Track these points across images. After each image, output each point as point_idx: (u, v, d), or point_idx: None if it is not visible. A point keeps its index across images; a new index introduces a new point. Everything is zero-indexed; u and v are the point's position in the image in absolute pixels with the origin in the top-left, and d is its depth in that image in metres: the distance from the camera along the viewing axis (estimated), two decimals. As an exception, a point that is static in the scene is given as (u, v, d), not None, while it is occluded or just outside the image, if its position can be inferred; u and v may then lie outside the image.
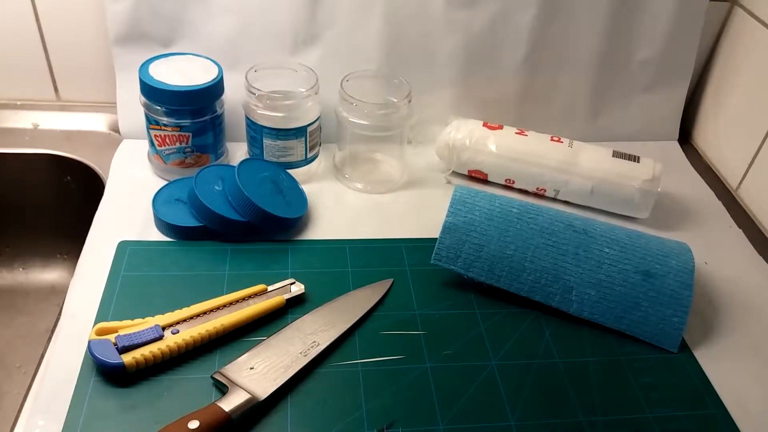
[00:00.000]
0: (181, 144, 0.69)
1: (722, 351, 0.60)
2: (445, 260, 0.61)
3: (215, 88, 0.68)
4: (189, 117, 0.67)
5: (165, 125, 0.67)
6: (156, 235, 0.65)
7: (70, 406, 0.49)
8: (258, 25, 0.75)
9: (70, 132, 0.80)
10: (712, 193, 0.80)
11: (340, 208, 0.71)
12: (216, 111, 0.69)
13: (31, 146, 0.78)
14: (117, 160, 0.74)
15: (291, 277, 0.60)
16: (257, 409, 0.49)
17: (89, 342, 0.51)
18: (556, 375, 0.55)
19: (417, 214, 0.71)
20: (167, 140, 0.68)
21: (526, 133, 0.75)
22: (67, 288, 0.59)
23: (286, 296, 0.58)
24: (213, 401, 0.48)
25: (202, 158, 0.71)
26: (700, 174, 0.83)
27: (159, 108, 0.66)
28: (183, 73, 0.67)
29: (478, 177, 0.77)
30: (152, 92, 0.66)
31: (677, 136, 0.88)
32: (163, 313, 0.54)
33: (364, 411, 0.51)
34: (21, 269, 0.84)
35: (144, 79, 0.66)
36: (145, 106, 0.68)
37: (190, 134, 0.68)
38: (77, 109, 0.83)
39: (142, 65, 0.68)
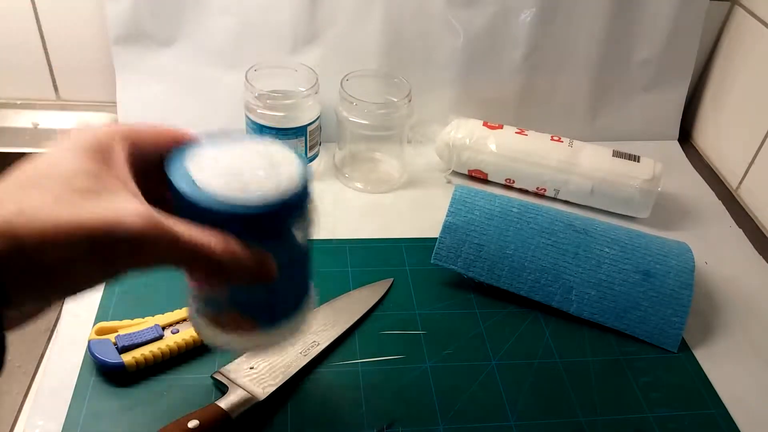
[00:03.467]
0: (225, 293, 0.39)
1: (722, 351, 0.60)
2: (445, 260, 0.61)
3: (295, 202, 0.36)
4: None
5: None
6: (156, 235, 0.65)
7: (69, 405, 0.49)
8: (258, 25, 0.74)
9: (70, 131, 0.80)
10: (712, 193, 0.80)
11: (340, 207, 0.71)
12: (293, 239, 0.38)
13: (31, 145, 0.78)
14: (117, 160, 0.74)
15: (291, 277, 0.60)
16: (257, 409, 0.49)
17: (89, 342, 0.51)
18: (556, 375, 0.55)
19: (417, 214, 0.71)
20: (207, 288, 0.39)
21: (526, 132, 0.75)
22: (67, 288, 0.59)
23: (286, 296, 0.58)
24: (213, 401, 0.48)
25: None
26: (700, 174, 0.83)
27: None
28: (235, 170, 0.36)
29: (478, 177, 0.77)
30: (186, 207, 0.34)
31: (677, 136, 0.88)
32: (163, 313, 0.54)
33: (364, 411, 0.51)
34: (21, 269, 0.84)
35: (177, 181, 0.34)
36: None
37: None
38: (77, 108, 0.83)
39: (179, 153, 0.36)
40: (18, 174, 0.31)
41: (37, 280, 0.29)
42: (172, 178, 0.34)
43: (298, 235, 0.37)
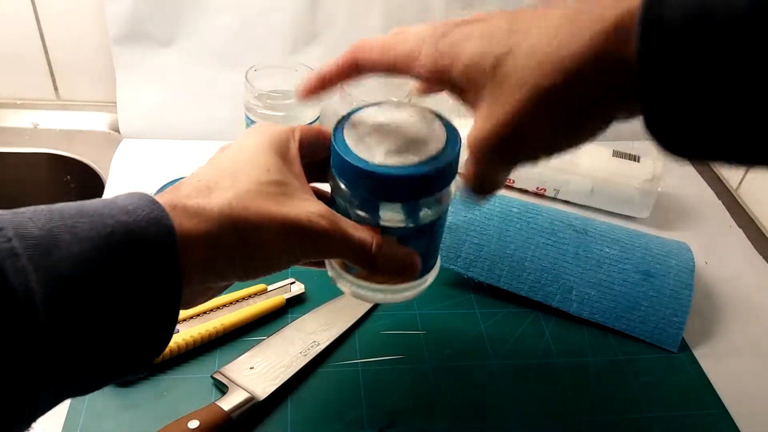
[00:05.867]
0: None
1: (722, 351, 0.60)
2: (444, 260, 0.61)
3: (445, 171, 0.39)
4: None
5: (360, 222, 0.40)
6: (156, 235, 0.65)
7: (69, 406, 0.49)
8: (258, 25, 0.74)
9: (70, 131, 0.80)
10: (712, 193, 0.80)
11: (340, 207, 0.71)
12: (443, 199, 0.41)
13: (31, 145, 0.78)
14: (117, 160, 0.74)
15: (291, 277, 0.60)
16: (257, 409, 0.49)
17: (89, 342, 0.51)
18: (556, 375, 0.55)
19: (417, 214, 0.71)
20: None
21: (526, 132, 0.75)
22: (67, 287, 0.59)
23: (286, 296, 0.58)
24: (213, 401, 0.48)
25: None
26: (700, 174, 0.83)
27: (354, 200, 0.39)
28: (395, 134, 0.40)
29: (478, 177, 0.77)
30: (346, 172, 0.38)
31: (677, 136, 0.87)
32: (163, 313, 0.54)
33: (364, 411, 0.51)
34: (21, 269, 0.84)
35: (338, 147, 0.38)
36: (336, 190, 0.40)
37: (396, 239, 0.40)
38: (77, 108, 0.83)
39: (342, 122, 0.41)
40: (219, 160, 0.38)
41: (239, 260, 0.34)
42: (335, 143, 0.38)
43: (446, 196, 0.40)
